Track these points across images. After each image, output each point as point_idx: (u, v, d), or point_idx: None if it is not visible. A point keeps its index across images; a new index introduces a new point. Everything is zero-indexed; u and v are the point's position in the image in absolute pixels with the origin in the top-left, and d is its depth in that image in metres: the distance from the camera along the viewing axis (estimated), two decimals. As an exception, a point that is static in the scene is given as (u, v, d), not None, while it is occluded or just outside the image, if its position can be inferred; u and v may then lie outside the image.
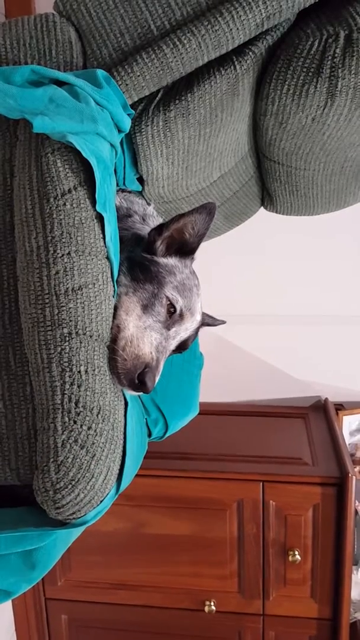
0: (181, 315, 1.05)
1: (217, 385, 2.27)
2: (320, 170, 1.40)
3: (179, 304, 1.05)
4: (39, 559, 0.90)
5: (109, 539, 2.04)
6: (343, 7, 1.10)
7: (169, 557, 2.03)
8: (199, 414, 1.46)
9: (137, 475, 1.08)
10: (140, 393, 0.98)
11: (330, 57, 1.08)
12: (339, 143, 1.26)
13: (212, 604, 2.01)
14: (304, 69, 1.10)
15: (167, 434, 1.35)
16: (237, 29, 1.01)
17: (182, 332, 1.07)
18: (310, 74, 1.10)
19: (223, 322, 1.38)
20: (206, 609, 2.00)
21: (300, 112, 1.15)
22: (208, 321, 1.29)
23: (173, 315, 1.04)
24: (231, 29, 1.01)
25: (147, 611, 2.08)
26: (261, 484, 1.92)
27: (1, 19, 2.08)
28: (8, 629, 2.22)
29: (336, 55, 1.07)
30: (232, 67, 1.08)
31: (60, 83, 0.96)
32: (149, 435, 1.29)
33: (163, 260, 1.07)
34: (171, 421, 1.33)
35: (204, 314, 1.24)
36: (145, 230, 1.14)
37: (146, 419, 1.28)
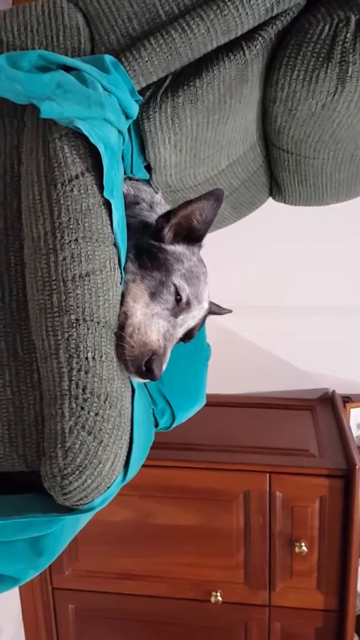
0: (188, 303, 1.05)
1: (225, 376, 2.26)
2: (329, 159, 1.38)
3: (186, 292, 1.04)
4: (47, 546, 0.90)
5: (116, 529, 2.05)
6: (354, -9, 1.09)
7: (175, 548, 2.04)
8: (206, 405, 1.46)
9: (143, 466, 1.08)
10: (148, 380, 0.98)
11: (340, 42, 1.06)
12: (349, 131, 1.25)
13: (218, 594, 2.01)
14: (314, 55, 1.09)
15: (174, 425, 1.34)
16: (247, 13, 1.00)
17: (189, 319, 1.07)
18: (320, 59, 1.09)
19: (229, 311, 1.37)
20: (212, 599, 2.01)
21: (310, 99, 1.14)
22: (214, 309, 1.29)
23: (180, 303, 1.04)
24: (240, 14, 1.00)
25: (153, 601, 2.09)
26: (268, 475, 1.92)
27: (9, 5, 2.07)
28: (16, 618, 2.24)
29: (347, 40, 1.06)
30: (241, 53, 1.06)
31: (67, 68, 0.96)
32: (156, 425, 1.29)
33: (171, 248, 1.07)
34: (178, 412, 1.33)
35: (210, 303, 1.23)
36: (152, 217, 1.13)
37: (153, 409, 1.27)
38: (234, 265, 2.41)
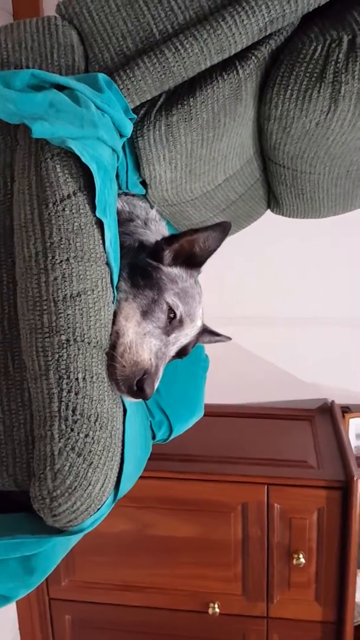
0: (181, 321, 1.05)
1: (223, 387, 2.26)
2: (325, 174, 1.38)
3: (179, 309, 1.04)
4: (38, 565, 0.89)
5: (114, 540, 2.05)
6: (347, 11, 1.08)
7: (173, 559, 2.03)
8: (204, 415, 1.46)
9: (141, 477, 1.08)
10: (139, 400, 0.98)
11: (333, 62, 1.06)
12: (343, 147, 1.25)
13: (216, 606, 2.00)
14: (307, 74, 1.09)
15: (172, 437, 1.34)
16: (240, 33, 1.00)
17: (182, 338, 1.07)
18: (313, 79, 1.09)
19: (229, 339, 1.36)
20: (210, 611, 2.00)
21: (304, 117, 1.14)
22: (215, 339, 1.30)
23: (173, 321, 1.04)
24: (234, 34, 1.00)
25: (151, 612, 2.09)
26: (266, 487, 1.92)
27: (9, 19, 2.08)
28: (12, 629, 2.23)
29: (339, 60, 1.06)
30: (234, 72, 1.06)
31: (60, 87, 0.96)
32: (153, 437, 1.29)
33: (167, 269, 1.07)
34: (175, 424, 1.33)
35: (208, 332, 1.24)
36: (147, 235, 1.13)
37: (150, 421, 1.27)
38: (234, 276, 2.41)
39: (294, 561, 1.91)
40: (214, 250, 1.09)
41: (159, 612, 2.08)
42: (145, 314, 1.00)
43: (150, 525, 2.03)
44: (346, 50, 1.06)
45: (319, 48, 1.07)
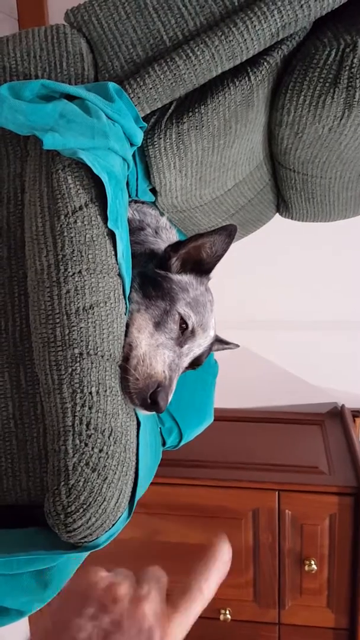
0: (193, 332, 1.03)
1: (233, 391, 2.24)
2: (337, 178, 1.37)
3: (192, 320, 1.03)
4: (52, 578, 0.88)
5: (124, 547, 2.02)
6: (361, 15, 1.07)
7: (183, 566, 2.01)
8: (214, 420, 1.44)
9: (151, 483, 1.07)
10: (153, 412, 0.97)
11: (347, 67, 1.05)
12: (356, 152, 1.23)
13: (227, 612, 1.99)
14: (321, 80, 1.07)
15: (182, 443, 1.33)
16: (252, 39, 0.98)
17: (195, 348, 1.05)
18: (327, 84, 1.07)
19: (237, 346, 1.35)
20: (221, 617, 1.99)
21: (317, 123, 1.13)
22: (222, 347, 1.29)
23: (185, 332, 1.02)
24: (245, 40, 0.98)
25: (161, 619, 2.07)
26: (277, 493, 1.90)
27: (14, 25, 2.07)
28: (23, 635, 2.23)
29: (354, 65, 1.04)
30: (246, 78, 1.05)
31: (71, 97, 0.95)
32: (163, 444, 1.28)
33: (177, 277, 1.06)
34: (185, 430, 1.32)
35: (217, 340, 1.23)
36: (158, 243, 1.12)
37: (160, 428, 1.26)
38: (243, 279, 2.39)
39: (306, 567, 1.90)
40: (222, 255, 1.08)
41: (170, 619, 2.06)
42: (158, 325, 0.99)
43: (160, 532, 2.01)
44: (361, 55, 1.04)
45: (333, 53, 1.05)
